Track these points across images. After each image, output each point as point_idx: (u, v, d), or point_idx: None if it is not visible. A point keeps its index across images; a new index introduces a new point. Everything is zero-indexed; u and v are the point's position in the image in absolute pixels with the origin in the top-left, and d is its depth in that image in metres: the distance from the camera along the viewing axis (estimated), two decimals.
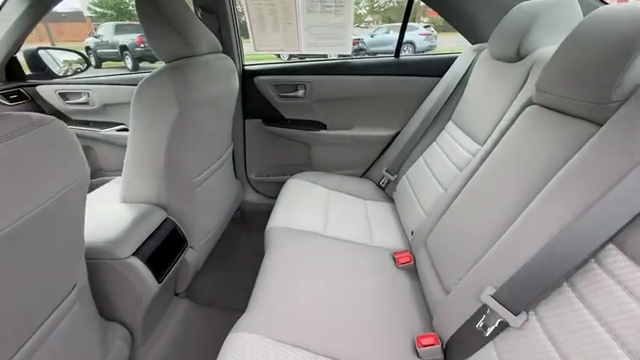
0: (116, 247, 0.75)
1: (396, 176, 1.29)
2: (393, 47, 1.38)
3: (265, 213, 1.15)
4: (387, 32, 9.94)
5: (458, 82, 1.15)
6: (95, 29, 11.49)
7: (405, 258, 0.94)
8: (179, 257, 0.94)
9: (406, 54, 1.36)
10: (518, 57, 0.84)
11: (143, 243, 0.82)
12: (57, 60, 2.04)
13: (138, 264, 0.77)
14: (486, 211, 0.69)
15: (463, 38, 1.30)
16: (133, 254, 0.78)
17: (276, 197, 1.25)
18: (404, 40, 1.37)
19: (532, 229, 0.56)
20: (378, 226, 1.13)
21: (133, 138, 0.86)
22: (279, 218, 1.07)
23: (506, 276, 0.56)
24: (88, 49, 10.10)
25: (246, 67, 1.43)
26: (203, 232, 1.10)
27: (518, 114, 0.75)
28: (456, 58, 1.27)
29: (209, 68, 0.96)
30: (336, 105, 1.44)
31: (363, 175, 1.54)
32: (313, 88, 1.39)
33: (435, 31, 10.13)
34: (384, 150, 1.46)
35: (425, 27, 9.72)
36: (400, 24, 1.34)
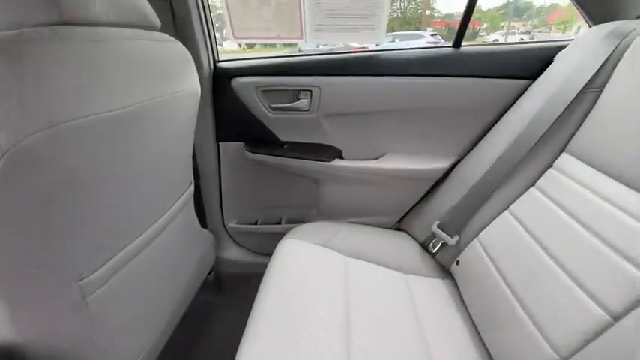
0: None
1: (457, 238, 0.79)
2: None
3: (250, 276, 0.81)
4: (393, 41, 9.80)
5: (580, 89, 0.65)
6: None
7: None
8: None
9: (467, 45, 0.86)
10: None
11: None
12: None
13: None
14: None
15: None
16: None
17: (264, 254, 0.88)
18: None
19: None
20: (438, 340, 0.63)
21: None
22: (264, 343, 0.57)
23: None
24: None
25: (221, 64, 0.94)
26: None
27: None
28: (559, 47, 0.78)
29: (116, 51, 0.47)
30: (358, 122, 0.94)
31: (396, 227, 1.04)
32: (323, 96, 0.89)
33: (443, 40, 10.00)
34: (430, 190, 0.97)
35: (432, 35, 9.57)
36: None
